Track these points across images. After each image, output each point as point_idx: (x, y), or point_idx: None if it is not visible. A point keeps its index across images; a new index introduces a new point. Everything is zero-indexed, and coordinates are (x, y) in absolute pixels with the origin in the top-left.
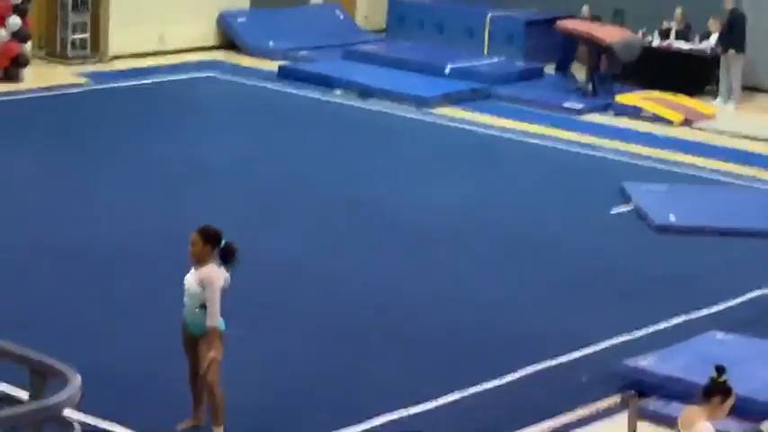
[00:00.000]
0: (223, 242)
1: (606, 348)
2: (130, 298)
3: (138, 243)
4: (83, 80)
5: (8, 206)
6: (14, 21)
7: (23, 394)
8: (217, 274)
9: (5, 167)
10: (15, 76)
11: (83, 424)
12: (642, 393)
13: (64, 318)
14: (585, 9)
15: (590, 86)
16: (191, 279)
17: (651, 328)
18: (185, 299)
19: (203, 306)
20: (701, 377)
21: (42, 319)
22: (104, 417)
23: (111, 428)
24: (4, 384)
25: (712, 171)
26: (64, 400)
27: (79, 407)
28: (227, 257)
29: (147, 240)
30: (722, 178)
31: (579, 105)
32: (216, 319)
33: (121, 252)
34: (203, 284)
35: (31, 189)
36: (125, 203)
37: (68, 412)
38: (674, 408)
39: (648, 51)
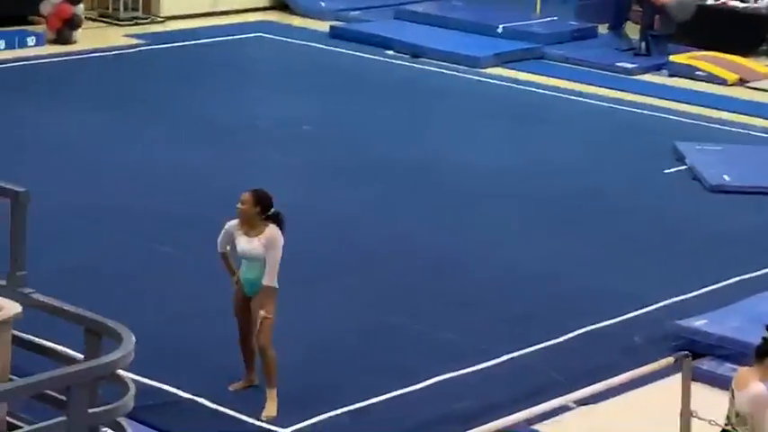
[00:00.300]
0: (272, 210)
1: (660, 309)
2: (180, 259)
3: (188, 203)
4: (135, 41)
5: (60, 167)
6: None
7: (78, 355)
8: (281, 235)
9: (58, 129)
10: (68, 37)
11: (136, 383)
12: (696, 354)
13: (114, 278)
14: None
15: (643, 46)
16: (252, 243)
17: (705, 289)
18: (243, 261)
19: (262, 267)
20: (755, 338)
21: (92, 279)
22: (156, 378)
23: (163, 389)
24: (57, 345)
25: (766, 130)
26: (119, 358)
27: (132, 368)
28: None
29: (198, 200)
30: None
31: (632, 65)
32: (274, 279)
33: (173, 212)
34: (269, 245)
35: (82, 150)
36: (176, 164)
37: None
38: (727, 369)
39: (703, 10)
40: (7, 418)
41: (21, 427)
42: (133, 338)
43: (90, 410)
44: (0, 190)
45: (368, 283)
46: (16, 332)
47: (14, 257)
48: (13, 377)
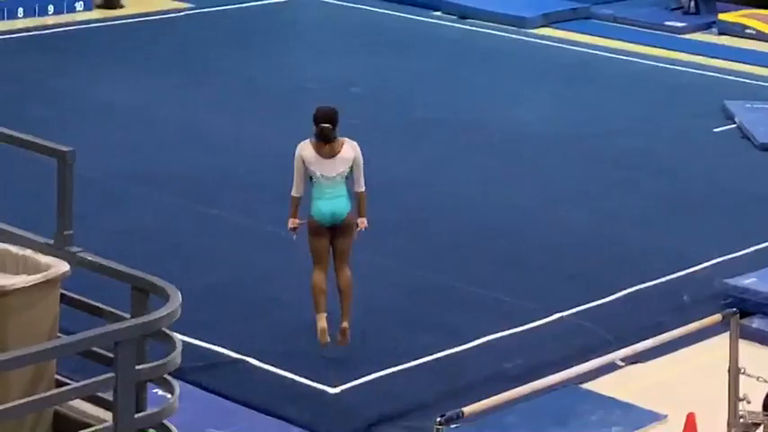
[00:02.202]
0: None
1: (708, 267)
2: (229, 221)
3: (237, 166)
4: (183, 5)
5: (108, 130)
6: None
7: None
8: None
9: (107, 93)
10: (117, 2)
11: (184, 343)
12: (744, 312)
13: (162, 241)
14: None
15: (692, 5)
16: (336, 162)
17: (754, 247)
18: (328, 190)
19: (345, 184)
20: None
21: (141, 241)
22: (205, 339)
23: (212, 349)
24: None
25: None
26: (165, 315)
27: (179, 328)
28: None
29: (247, 163)
30: None
31: (681, 24)
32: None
33: (222, 175)
34: (355, 160)
35: (131, 113)
36: (224, 127)
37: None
38: None
39: None
40: (56, 377)
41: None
42: (179, 296)
43: (137, 367)
44: (46, 150)
45: (418, 243)
46: (64, 291)
47: (61, 216)
48: (62, 335)
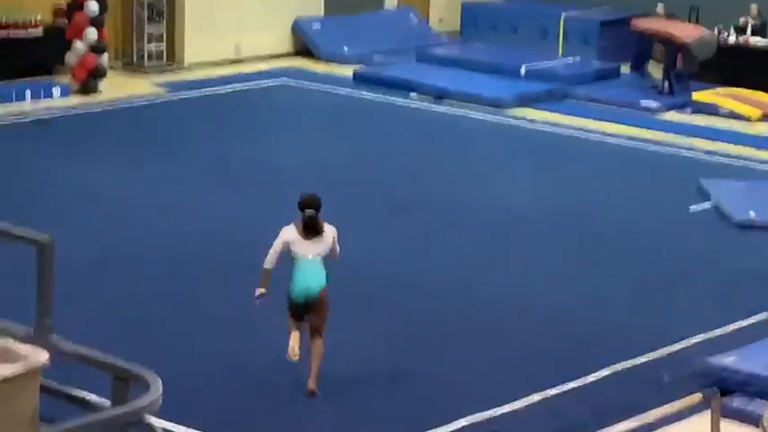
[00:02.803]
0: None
1: (689, 346)
2: (208, 302)
3: (216, 247)
4: (160, 90)
5: (87, 214)
6: (91, 33)
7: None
8: None
9: (85, 177)
10: (93, 87)
11: (165, 430)
12: (725, 391)
13: (141, 324)
14: (660, 7)
15: (666, 85)
16: (317, 243)
17: (734, 326)
18: (312, 269)
19: (323, 263)
20: None
21: (120, 325)
22: (185, 424)
23: None
24: (85, 392)
25: None
26: (146, 404)
27: (160, 414)
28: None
29: (226, 244)
30: None
31: (656, 104)
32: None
33: (201, 257)
34: (333, 243)
35: (109, 197)
36: (202, 210)
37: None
38: (757, 405)
39: (724, 48)
40: None
41: None
42: (160, 384)
43: None
44: (25, 239)
45: (397, 324)
46: (44, 380)
47: (41, 305)
48: (42, 425)
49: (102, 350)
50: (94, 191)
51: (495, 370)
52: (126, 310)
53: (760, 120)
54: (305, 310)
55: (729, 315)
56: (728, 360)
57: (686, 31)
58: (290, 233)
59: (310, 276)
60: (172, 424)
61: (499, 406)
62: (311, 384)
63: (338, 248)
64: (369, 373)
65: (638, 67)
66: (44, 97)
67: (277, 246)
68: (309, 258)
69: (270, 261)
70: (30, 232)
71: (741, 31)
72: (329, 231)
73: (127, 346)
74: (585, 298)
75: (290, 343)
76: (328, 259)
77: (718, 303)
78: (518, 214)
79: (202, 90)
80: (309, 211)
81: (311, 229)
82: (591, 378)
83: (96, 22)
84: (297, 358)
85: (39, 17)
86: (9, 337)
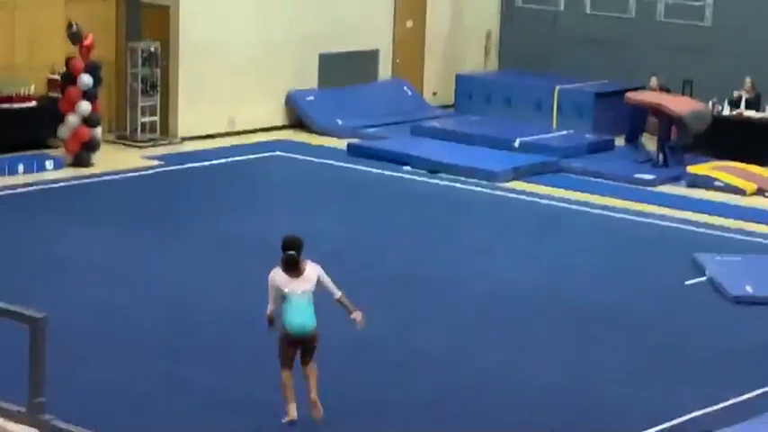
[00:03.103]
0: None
1: (684, 421)
2: (198, 379)
3: (208, 322)
4: (153, 163)
5: (79, 287)
6: (85, 106)
7: None
8: None
9: (79, 250)
10: (87, 160)
11: None
12: None
13: (133, 398)
14: (654, 80)
15: (661, 157)
16: (304, 280)
17: (730, 401)
18: (304, 305)
19: (312, 301)
20: None
21: (112, 399)
22: None
23: None
24: None
25: None
26: None
27: None
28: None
29: (219, 319)
30: None
31: (651, 177)
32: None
33: (192, 332)
34: (319, 277)
35: (102, 270)
36: (195, 283)
37: None
38: None
39: (719, 121)
40: None
41: None
42: None
43: None
44: (19, 316)
45: (390, 400)
46: None
47: (33, 384)
48: None
49: (93, 429)
50: (88, 264)
51: None
52: (118, 386)
53: (755, 193)
54: (301, 344)
55: (726, 390)
56: None
57: (680, 104)
58: (276, 275)
59: (303, 310)
60: None
61: None
62: (313, 396)
63: (331, 284)
64: None
65: (633, 139)
66: (37, 170)
67: (270, 291)
68: (299, 293)
69: (271, 305)
70: (22, 310)
71: (735, 104)
72: (312, 269)
73: (119, 424)
74: (579, 374)
75: (289, 412)
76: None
77: (714, 378)
78: (512, 288)
79: (196, 163)
80: (289, 253)
81: (291, 268)
82: None
83: (90, 95)
84: (294, 419)
85: (32, 89)
86: (1, 416)
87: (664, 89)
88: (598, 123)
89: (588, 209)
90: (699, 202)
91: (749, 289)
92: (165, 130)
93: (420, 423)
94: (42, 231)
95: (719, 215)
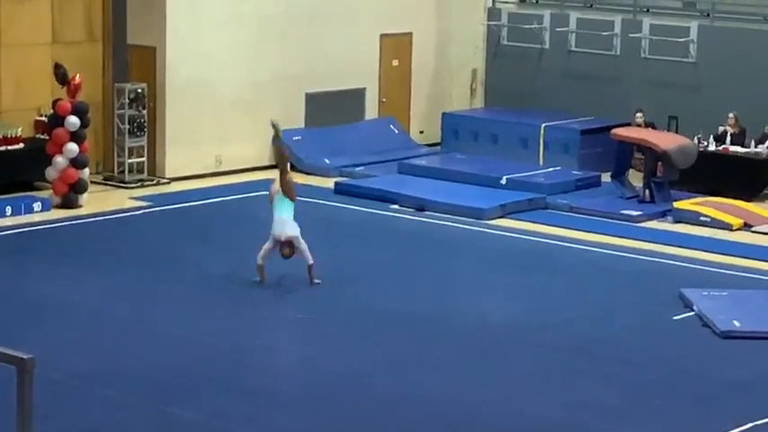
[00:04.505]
0: None
1: None
2: (189, 421)
3: (197, 364)
4: (141, 203)
5: (67, 330)
6: (72, 148)
7: None
8: None
9: (66, 292)
10: (74, 202)
11: None
12: None
13: None
14: (640, 116)
15: (647, 193)
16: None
17: None
18: (286, 208)
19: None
20: None
21: None
22: None
23: None
24: None
25: None
26: None
27: None
28: None
29: (208, 361)
30: None
31: (637, 212)
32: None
33: (181, 373)
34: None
35: (89, 312)
36: (184, 324)
37: None
38: None
39: (704, 156)
40: None
41: None
42: None
43: None
44: (6, 357)
45: None
46: None
47: (21, 425)
48: None
49: None
50: (75, 305)
51: None
52: (106, 427)
53: (741, 228)
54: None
55: (715, 426)
56: None
57: (666, 140)
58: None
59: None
60: None
61: None
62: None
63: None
64: None
65: (619, 175)
66: (25, 212)
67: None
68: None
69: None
70: (8, 352)
71: (720, 139)
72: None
73: None
74: (566, 409)
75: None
76: None
77: (701, 414)
78: (499, 325)
79: (184, 203)
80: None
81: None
82: None
83: (77, 137)
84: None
85: (19, 132)
86: None
87: (649, 125)
88: (584, 160)
89: (575, 245)
90: (685, 237)
91: (737, 324)
92: (152, 170)
93: None
94: (30, 273)
95: (706, 250)
